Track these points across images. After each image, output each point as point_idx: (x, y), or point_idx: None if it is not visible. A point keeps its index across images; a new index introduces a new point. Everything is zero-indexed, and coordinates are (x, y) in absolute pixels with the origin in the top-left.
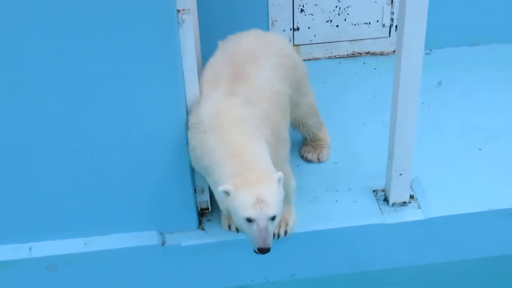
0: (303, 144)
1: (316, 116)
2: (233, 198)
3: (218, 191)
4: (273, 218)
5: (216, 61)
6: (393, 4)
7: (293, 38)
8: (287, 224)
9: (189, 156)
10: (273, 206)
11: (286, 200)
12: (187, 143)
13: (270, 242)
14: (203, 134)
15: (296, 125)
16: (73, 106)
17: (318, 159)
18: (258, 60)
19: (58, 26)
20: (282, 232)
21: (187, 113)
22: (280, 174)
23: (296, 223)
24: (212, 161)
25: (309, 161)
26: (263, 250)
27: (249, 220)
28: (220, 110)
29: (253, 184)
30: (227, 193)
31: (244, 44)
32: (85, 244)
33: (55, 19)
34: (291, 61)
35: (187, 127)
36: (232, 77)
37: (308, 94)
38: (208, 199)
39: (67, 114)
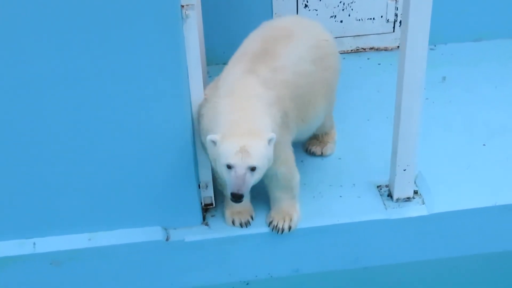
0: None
1: (330, 120)
2: (218, 146)
3: (206, 140)
4: (252, 169)
5: (251, 37)
6: (397, 0)
7: None
8: (291, 219)
9: (194, 147)
10: (255, 157)
11: (290, 194)
12: (193, 137)
13: (244, 190)
14: (216, 99)
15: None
16: (77, 102)
17: (322, 153)
18: (292, 38)
19: (62, 24)
20: (286, 227)
21: (192, 109)
22: (272, 134)
23: (300, 218)
24: (218, 123)
25: (312, 153)
26: (235, 196)
27: (229, 166)
28: (236, 86)
29: (240, 135)
30: (214, 142)
31: (285, 22)
32: (89, 239)
33: (59, 16)
34: (330, 48)
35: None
36: (258, 54)
37: (334, 96)
38: (212, 195)
39: (70, 110)
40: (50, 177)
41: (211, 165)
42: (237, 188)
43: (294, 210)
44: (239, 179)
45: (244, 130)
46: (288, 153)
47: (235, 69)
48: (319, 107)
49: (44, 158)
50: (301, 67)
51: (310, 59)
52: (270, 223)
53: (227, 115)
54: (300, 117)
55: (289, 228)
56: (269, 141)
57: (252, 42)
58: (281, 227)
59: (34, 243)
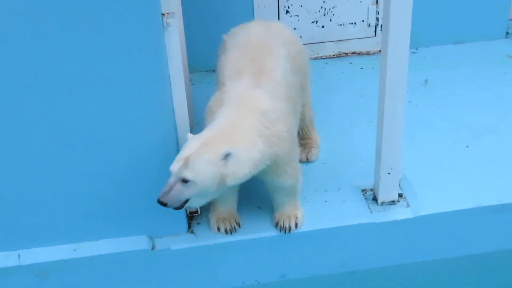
0: None
1: (310, 109)
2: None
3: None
4: (185, 181)
5: (233, 58)
6: (378, 4)
7: None
8: (296, 218)
9: None
10: (192, 170)
11: (294, 198)
12: (177, 145)
13: (170, 201)
14: (220, 108)
15: None
16: (60, 112)
17: (307, 159)
18: (273, 52)
19: (44, 30)
20: (292, 225)
21: (175, 117)
22: (229, 149)
23: (304, 216)
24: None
25: None
26: (158, 201)
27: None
28: (244, 98)
29: (197, 143)
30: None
31: (256, 36)
32: (75, 250)
33: (41, 23)
34: (297, 48)
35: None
36: (255, 72)
37: (309, 82)
38: None
39: (54, 120)
40: (34, 187)
41: None
42: (161, 195)
43: (297, 209)
44: (166, 186)
45: (210, 139)
46: (296, 166)
47: (241, 82)
48: (296, 125)
49: (27, 168)
50: (288, 80)
51: (290, 70)
52: (277, 224)
53: (215, 121)
54: (297, 126)
55: (296, 225)
56: (224, 156)
57: (239, 62)
58: (287, 225)
59: (19, 255)
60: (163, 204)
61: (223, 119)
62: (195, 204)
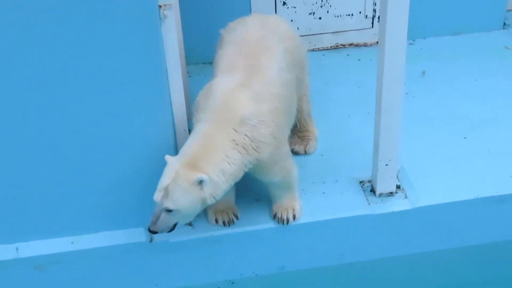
0: (290, 136)
1: (308, 102)
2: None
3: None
4: (168, 210)
5: (228, 53)
6: None
7: None
8: (294, 209)
9: (175, 148)
10: (171, 200)
11: (290, 190)
12: (175, 137)
13: (157, 228)
14: (202, 114)
15: None
16: (58, 106)
17: (305, 151)
18: (269, 49)
19: (38, 25)
20: (290, 216)
21: (172, 110)
22: (200, 177)
23: (302, 208)
24: (186, 145)
25: (295, 153)
26: (149, 230)
27: None
28: (226, 103)
29: (171, 167)
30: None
31: (252, 33)
32: (73, 243)
33: (35, 18)
34: (294, 43)
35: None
36: (248, 69)
37: (307, 75)
38: None
39: (51, 114)
40: (32, 181)
41: None
42: (150, 224)
43: (295, 201)
44: (153, 216)
45: (183, 166)
46: (284, 164)
47: (230, 79)
48: (287, 124)
49: (24, 162)
50: (283, 78)
51: (286, 66)
52: (275, 216)
53: (191, 139)
54: (288, 124)
55: (294, 217)
56: (196, 182)
57: (233, 58)
58: (285, 217)
59: (17, 248)
60: (154, 232)
61: (198, 137)
62: (185, 222)
